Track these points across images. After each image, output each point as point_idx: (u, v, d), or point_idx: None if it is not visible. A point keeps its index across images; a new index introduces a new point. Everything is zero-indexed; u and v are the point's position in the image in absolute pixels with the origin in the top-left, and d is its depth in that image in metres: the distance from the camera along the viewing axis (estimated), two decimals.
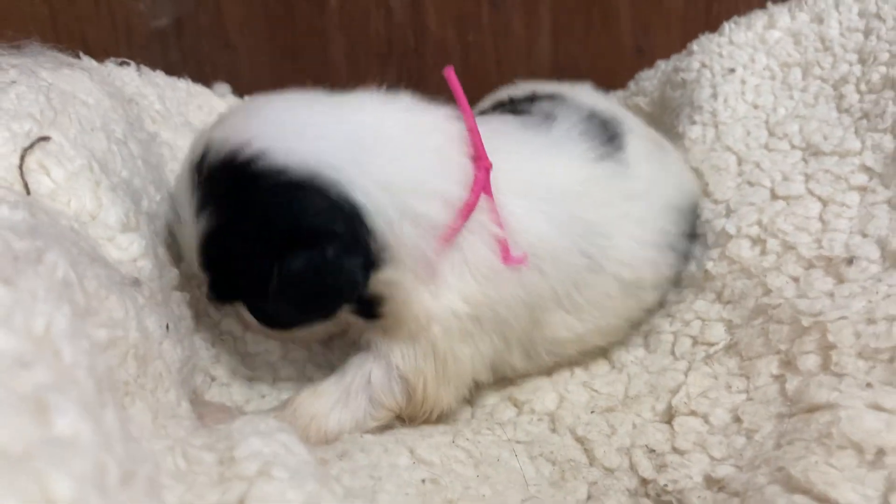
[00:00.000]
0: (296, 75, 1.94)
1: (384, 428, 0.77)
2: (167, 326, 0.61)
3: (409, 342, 0.75)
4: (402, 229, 0.69)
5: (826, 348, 0.70)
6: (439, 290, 0.72)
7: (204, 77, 1.81)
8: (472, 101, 1.52)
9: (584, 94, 0.97)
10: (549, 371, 0.85)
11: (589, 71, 1.69)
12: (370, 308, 0.73)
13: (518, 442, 0.76)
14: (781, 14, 1.09)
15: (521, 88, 1.04)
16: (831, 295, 0.75)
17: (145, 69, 0.96)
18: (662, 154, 0.94)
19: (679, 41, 1.36)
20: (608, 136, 0.85)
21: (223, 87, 1.14)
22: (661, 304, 0.92)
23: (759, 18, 1.11)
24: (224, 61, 1.87)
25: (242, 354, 0.84)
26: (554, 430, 0.77)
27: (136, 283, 0.61)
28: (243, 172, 0.67)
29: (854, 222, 0.81)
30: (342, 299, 0.70)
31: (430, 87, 0.81)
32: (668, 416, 0.74)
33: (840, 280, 0.76)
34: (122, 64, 0.94)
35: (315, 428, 0.74)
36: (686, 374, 0.78)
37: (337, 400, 0.75)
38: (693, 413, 0.73)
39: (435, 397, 0.76)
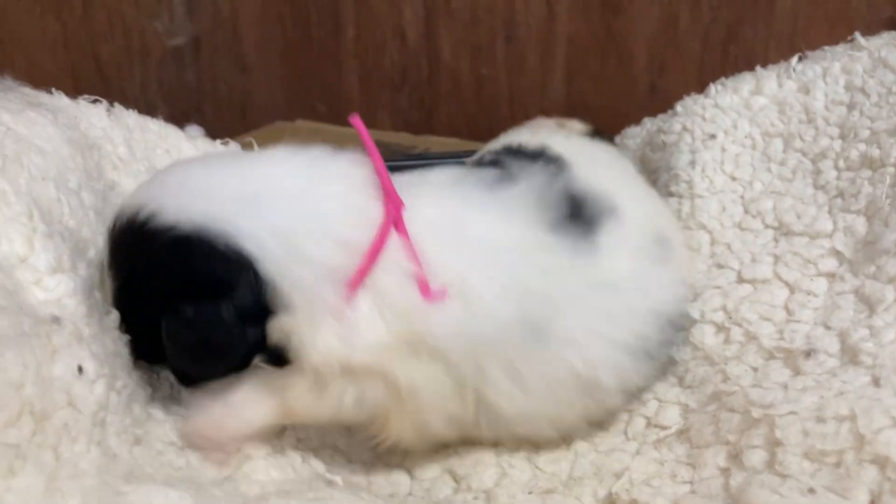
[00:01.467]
0: (309, 100, 1.96)
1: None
2: (79, 368, 0.60)
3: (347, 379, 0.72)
4: (296, 274, 0.67)
5: (773, 444, 0.66)
6: (351, 332, 0.69)
7: (218, 98, 1.83)
8: (483, 134, 1.50)
9: (589, 164, 0.89)
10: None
11: (601, 109, 1.67)
12: (278, 356, 0.70)
13: None
14: (769, 79, 1.06)
15: (535, 137, 0.99)
16: (785, 387, 0.71)
17: (118, 108, 0.96)
18: (661, 254, 0.85)
19: (695, 82, 1.34)
20: (577, 214, 0.79)
21: (195, 130, 1.13)
22: None
23: (746, 82, 1.08)
24: (239, 83, 1.89)
25: None
26: None
27: (56, 320, 0.60)
28: (137, 233, 0.68)
29: (819, 313, 0.78)
30: (232, 351, 0.69)
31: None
32: (609, 503, 0.71)
33: (796, 372, 0.73)
34: (94, 101, 0.94)
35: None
36: (633, 458, 0.75)
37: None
38: (633, 502, 0.70)
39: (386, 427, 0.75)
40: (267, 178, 0.71)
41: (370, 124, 0.76)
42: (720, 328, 0.83)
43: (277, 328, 0.69)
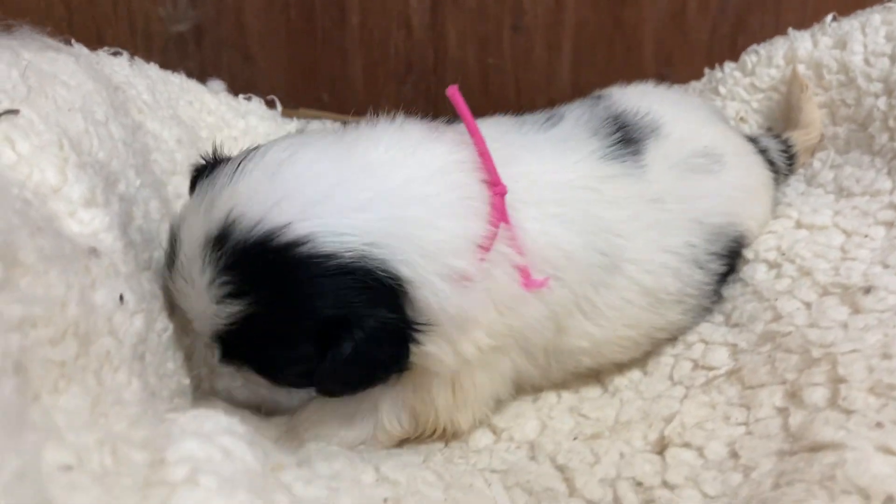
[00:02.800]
0: (313, 90, 1.94)
1: None
2: (121, 297, 0.57)
3: (423, 375, 0.71)
4: (442, 293, 0.65)
5: (835, 382, 0.64)
6: (466, 331, 0.68)
7: None
8: None
9: (635, 94, 0.91)
10: (534, 398, 0.80)
11: None
12: (406, 367, 0.69)
13: (493, 471, 0.71)
14: (803, 40, 1.04)
15: None
16: (845, 326, 0.69)
17: (139, 60, 0.94)
18: (707, 167, 0.85)
19: (703, 72, 1.33)
20: (625, 138, 0.81)
21: (218, 84, 1.11)
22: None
23: (780, 47, 1.06)
24: (242, 71, 1.86)
25: None
26: (533, 458, 0.72)
27: (94, 251, 0.57)
28: (285, 258, 0.62)
29: (876, 253, 0.76)
30: (394, 368, 0.67)
31: (446, 107, 0.77)
32: (660, 447, 0.69)
33: (856, 310, 0.71)
34: (114, 53, 0.91)
35: (315, 447, 0.68)
36: (682, 402, 0.72)
37: (342, 424, 0.72)
38: (687, 445, 0.68)
39: (448, 422, 0.74)
40: (400, 184, 0.66)
41: (374, 114, 0.74)
42: (772, 265, 0.81)
43: (423, 354, 0.67)
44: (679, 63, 1.63)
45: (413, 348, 0.66)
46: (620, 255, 0.76)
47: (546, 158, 0.76)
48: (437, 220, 0.66)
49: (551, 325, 0.74)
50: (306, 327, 0.63)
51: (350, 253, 0.62)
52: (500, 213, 0.68)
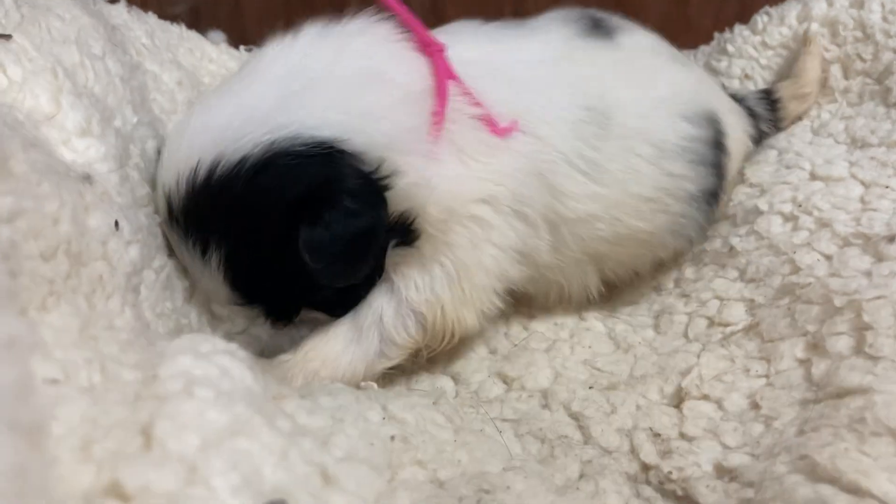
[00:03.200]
0: None
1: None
2: (116, 224, 0.54)
3: (423, 270, 0.70)
4: (382, 135, 0.64)
5: (860, 329, 0.61)
6: (449, 182, 0.68)
7: None
8: None
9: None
10: (546, 348, 0.77)
11: None
12: (406, 232, 0.68)
13: (504, 420, 0.68)
14: (818, 1, 1.02)
15: None
16: (868, 274, 0.67)
17: (136, 9, 0.91)
18: (680, 59, 0.90)
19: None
20: (598, 25, 0.84)
21: (218, 35, 1.08)
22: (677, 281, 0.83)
23: (792, 8, 1.04)
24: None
25: None
26: (546, 406, 0.69)
27: (87, 178, 0.55)
28: (204, 191, 0.62)
29: None
30: (377, 235, 0.64)
31: None
32: (678, 400, 0.66)
33: (879, 259, 0.68)
34: (111, 1, 0.89)
35: (326, 372, 0.69)
36: (699, 357, 0.70)
37: (349, 340, 0.70)
38: (705, 397, 0.65)
39: (455, 320, 0.72)
40: (299, 69, 0.66)
41: None
42: (788, 217, 0.78)
43: (397, 195, 0.65)
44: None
45: (390, 198, 0.64)
46: (606, 105, 0.76)
47: (509, 42, 0.78)
48: (350, 82, 0.66)
49: (540, 185, 0.73)
50: (268, 241, 0.62)
51: (258, 150, 0.61)
52: (442, 71, 0.68)
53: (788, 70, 1.02)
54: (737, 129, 0.91)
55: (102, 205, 0.55)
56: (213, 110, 0.65)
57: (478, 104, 0.69)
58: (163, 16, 1.68)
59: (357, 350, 0.70)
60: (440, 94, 0.67)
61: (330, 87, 0.66)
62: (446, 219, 0.68)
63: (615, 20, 0.87)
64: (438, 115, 0.67)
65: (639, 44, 0.85)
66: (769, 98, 1.00)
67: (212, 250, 0.63)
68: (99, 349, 0.47)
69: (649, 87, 0.81)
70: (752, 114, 0.97)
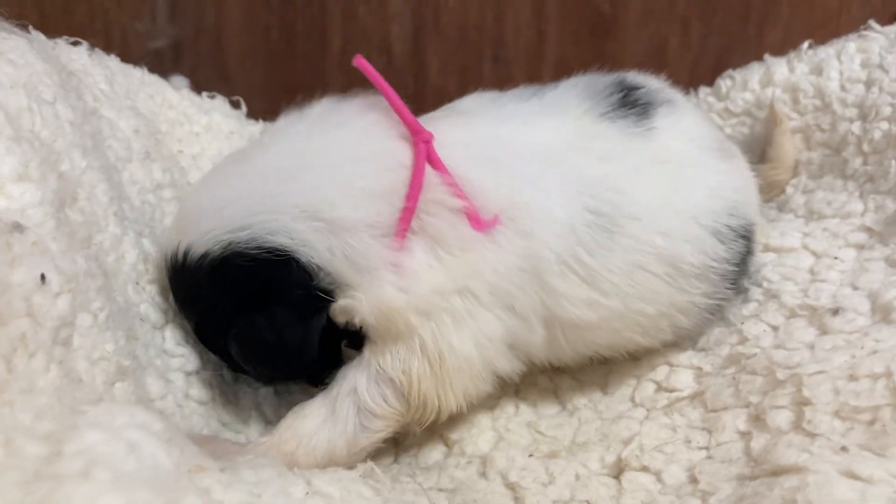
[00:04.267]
0: (291, 112, 1.91)
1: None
2: (42, 277, 0.53)
3: (397, 342, 0.67)
4: (341, 248, 0.64)
5: (800, 404, 0.61)
6: (411, 281, 0.66)
7: None
8: None
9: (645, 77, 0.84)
10: (490, 406, 0.76)
11: None
12: (355, 335, 0.68)
13: (440, 489, 0.66)
14: (779, 66, 1.02)
15: None
16: (811, 347, 0.66)
17: (99, 52, 0.91)
18: (722, 150, 0.78)
19: None
20: (628, 100, 0.75)
21: (180, 80, 1.08)
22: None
23: (755, 72, 1.05)
24: (220, 90, 1.83)
25: None
26: (483, 475, 0.67)
27: (18, 227, 0.54)
28: (182, 272, 0.69)
29: (846, 275, 0.74)
30: (305, 347, 0.66)
31: None
32: (617, 470, 0.65)
33: (823, 331, 0.68)
34: (73, 43, 0.89)
35: (303, 453, 0.66)
36: (642, 424, 0.69)
37: (324, 417, 0.68)
38: (645, 468, 0.64)
39: (436, 398, 0.68)
40: (276, 163, 0.68)
41: None
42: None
43: (339, 309, 0.66)
44: None
45: (331, 307, 0.66)
46: (619, 212, 0.69)
47: (517, 123, 0.72)
48: (319, 180, 0.66)
49: (531, 280, 0.68)
50: (218, 324, 0.68)
51: (217, 247, 0.65)
52: (423, 163, 0.66)
53: (755, 141, 1.02)
54: (760, 227, 0.83)
55: (31, 257, 0.54)
56: (201, 195, 0.72)
57: (461, 196, 0.66)
58: (139, 52, 1.68)
59: (334, 427, 0.67)
60: (414, 188, 0.65)
61: (299, 189, 0.66)
62: (413, 313, 0.66)
63: (654, 89, 0.78)
64: (409, 210, 0.65)
65: (680, 133, 0.75)
66: None
67: (188, 314, 0.72)
68: (9, 419, 0.46)
69: (679, 195, 0.71)
70: None
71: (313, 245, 0.64)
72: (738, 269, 0.75)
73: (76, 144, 0.67)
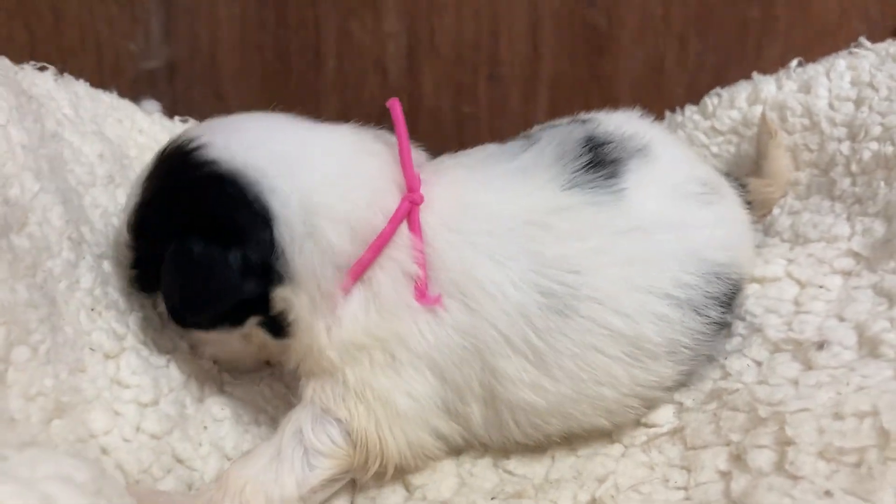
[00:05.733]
0: None
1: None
2: None
3: (337, 381, 0.68)
4: (306, 249, 0.65)
5: (783, 444, 0.58)
6: (338, 323, 0.67)
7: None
8: None
9: (622, 117, 0.83)
10: (457, 450, 0.72)
11: None
12: (276, 325, 0.68)
13: None
14: (767, 83, 1.00)
15: None
16: (795, 383, 0.63)
17: (68, 77, 0.89)
18: (704, 195, 0.73)
19: None
20: (598, 158, 0.71)
21: (152, 105, 1.06)
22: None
23: (742, 90, 1.02)
24: (213, 110, 1.82)
25: None
26: None
27: None
28: (180, 158, 0.68)
29: (832, 305, 0.70)
30: (223, 298, 0.65)
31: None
32: None
33: (808, 366, 0.64)
34: (41, 68, 0.86)
35: (251, 492, 0.64)
36: (618, 462, 0.66)
37: (271, 457, 0.66)
38: None
39: (377, 441, 0.67)
40: (311, 146, 0.70)
41: None
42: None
43: (280, 297, 0.66)
44: (656, 116, 1.60)
45: (271, 288, 0.65)
46: (574, 294, 0.66)
47: (495, 189, 0.71)
48: (330, 183, 0.67)
49: (472, 360, 0.67)
50: (168, 216, 0.67)
51: (228, 164, 0.66)
52: (399, 220, 0.67)
53: (742, 159, 0.99)
54: (752, 257, 0.80)
55: None
56: (251, 122, 0.73)
57: (419, 265, 0.67)
58: (132, 73, 1.66)
59: (280, 466, 0.65)
60: (379, 241, 0.66)
61: (314, 184, 0.67)
62: (340, 347, 0.67)
63: (626, 138, 0.74)
64: (365, 260, 0.66)
65: (653, 189, 0.71)
66: (744, 198, 0.86)
67: (139, 191, 0.71)
68: None
69: (646, 268, 0.67)
70: None
71: (292, 230, 0.65)
72: (717, 336, 0.72)
73: (28, 168, 0.65)
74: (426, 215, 0.68)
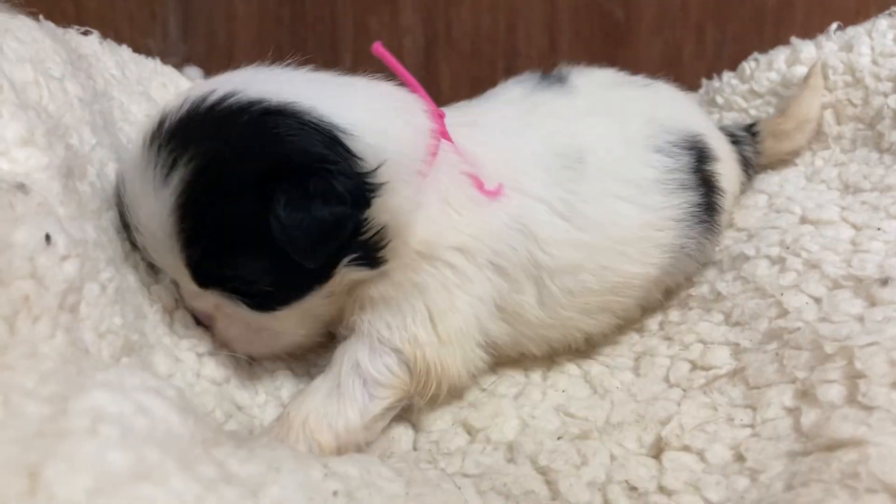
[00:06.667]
0: None
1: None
2: (47, 237, 0.49)
3: (393, 311, 0.68)
4: (386, 161, 0.63)
5: (853, 377, 0.57)
6: (430, 222, 0.67)
7: None
8: None
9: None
10: (514, 395, 0.72)
11: None
12: (372, 252, 0.65)
13: (465, 475, 0.63)
14: (807, 46, 1.01)
15: None
16: (861, 319, 0.63)
17: (110, 42, 0.89)
18: (636, 83, 0.92)
19: None
20: (546, 78, 0.88)
21: (194, 71, 1.06)
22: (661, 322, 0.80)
23: (781, 53, 1.03)
24: None
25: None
26: (511, 460, 0.64)
27: (21, 187, 0.51)
28: (213, 114, 0.61)
29: (891, 245, 0.70)
30: (347, 227, 0.62)
31: None
32: (657, 450, 0.61)
33: (872, 303, 0.64)
34: (84, 33, 0.86)
35: (315, 428, 0.64)
36: (680, 404, 0.65)
37: (328, 392, 0.66)
38: (686, 448, 0.60)
39: (436, 363, 0.68)
40: (328, 79, 0.71)
41: None
42: (775, 260, 0.75)
43: (374, 216, 0.63)
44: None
45: (375, 205, 0.63)
46: (577, 150, 0.76)
47: (479, 109, 0.84)
48: (372, 103, 0.68)
49: (522, 237, 0.72)
50: (244, 177, 0.60)
51: (276, 99, 0.61)
52: (440, 131, 0.70)
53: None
54: (723, 149, 0.89)
55: (35, 217, 0.51)
56: (267, 69, 0.71)
57: (469, 165, 0.71)
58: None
59: (342, 398, 0.66)
60: (434, 145, 0.69)
61: (361, 103, 0.66)
62: (420, 255, 0.67)
63: (563, 70, 0.91)
64: (429, 163, 0.67)
65: (594, 82, 0.87)
66: (750, 130, 0.99)
67: (177, 172, 0.60)
68: (9, 380, 0.42)
69: (615, 125, 0.80)
70: (734, 140, 0.96)
71: (368, 138, 0.63)
72: (697, 174, 0.81)
73: (85, 121, 0.65)
74: (451, 132, 0.72)
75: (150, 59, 0.94)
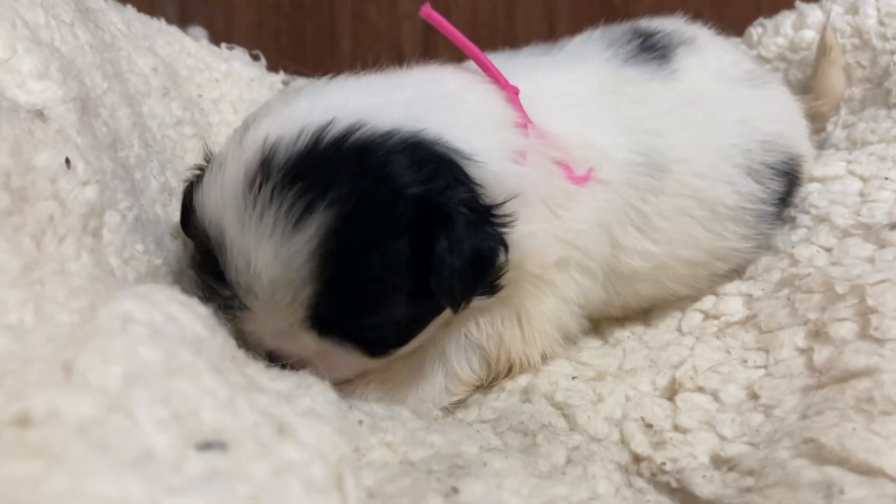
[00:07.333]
0: None
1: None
2: (67, 161, 0.49)
3: (485, 312, 0.65)
4: (501, 178, 0.59)
5: (864, 314, 0.58)
6: (536, 239, 0.62)
7: None
8: None
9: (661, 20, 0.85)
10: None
11: None
12: (494, 281, 0.61)
13: (483, 422, 0.63)
14: (812, 10, 1.01)
15: None
16: (871, 260, 0.64)
17: (116, 2, 0.89)
18: (750, 77, 0.78)
19: None
20: (648, 46, 0.75)
21: (199, 31, 1.06)
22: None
23: (787, 17, 1.03)
24: None
25: None
26: (527, 401, 0.64)
27: (40, 115, 0.51)
28: (346, 151, 0.55)
29: None
30: (498, 262, 0.58)
31: None
32: (671, 392, 0.62)
33: (882, 245, 0.65)
34: None
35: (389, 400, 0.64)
36: (693, 349, 0.66)
37: (408, 381, 0.65)
38: (700, 389, 0.61)
39: (519, 360, 0.67)
40: (423, 87, 0.65)
41: None
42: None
43: (521, 236, 0.59)
44: None
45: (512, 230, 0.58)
46: (665, 154, 0.68)
47: (553, 73, 0.72)
48: (462, 105, 0.62)
49: (604, 237, 0.67)
50: (396, 215, 0.55)
51: (405, 129, 0.56)
52: (521, 109, 0.64)
53: (791, 88, 1.00)
54: (810, 158, 0.82)
55: (54, 143, 0.51)
56: (351, 88, 0.63)
57: (557, 147, 0.64)
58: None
59: (423, 384, 0.65)
60: (523, 144, 0.63)
61: (460, 114, 0.61)
62: (531, 275, 0.64)
63: (672, 31, 0.78)
64: (523, 162, 0.62)
65: (703, 69, 0.75)
66: None
67: (300, 220, 0.53)
68: (40, 292, 0.43)
69: (711, 133, 0.71)
70: None
71: (482, 163, 0.58)
72: (777, 208, 0.75)
73: (96, 66, 0.65)
74: (526, 106, 0.65)
75: (154, 18, 0.94)
